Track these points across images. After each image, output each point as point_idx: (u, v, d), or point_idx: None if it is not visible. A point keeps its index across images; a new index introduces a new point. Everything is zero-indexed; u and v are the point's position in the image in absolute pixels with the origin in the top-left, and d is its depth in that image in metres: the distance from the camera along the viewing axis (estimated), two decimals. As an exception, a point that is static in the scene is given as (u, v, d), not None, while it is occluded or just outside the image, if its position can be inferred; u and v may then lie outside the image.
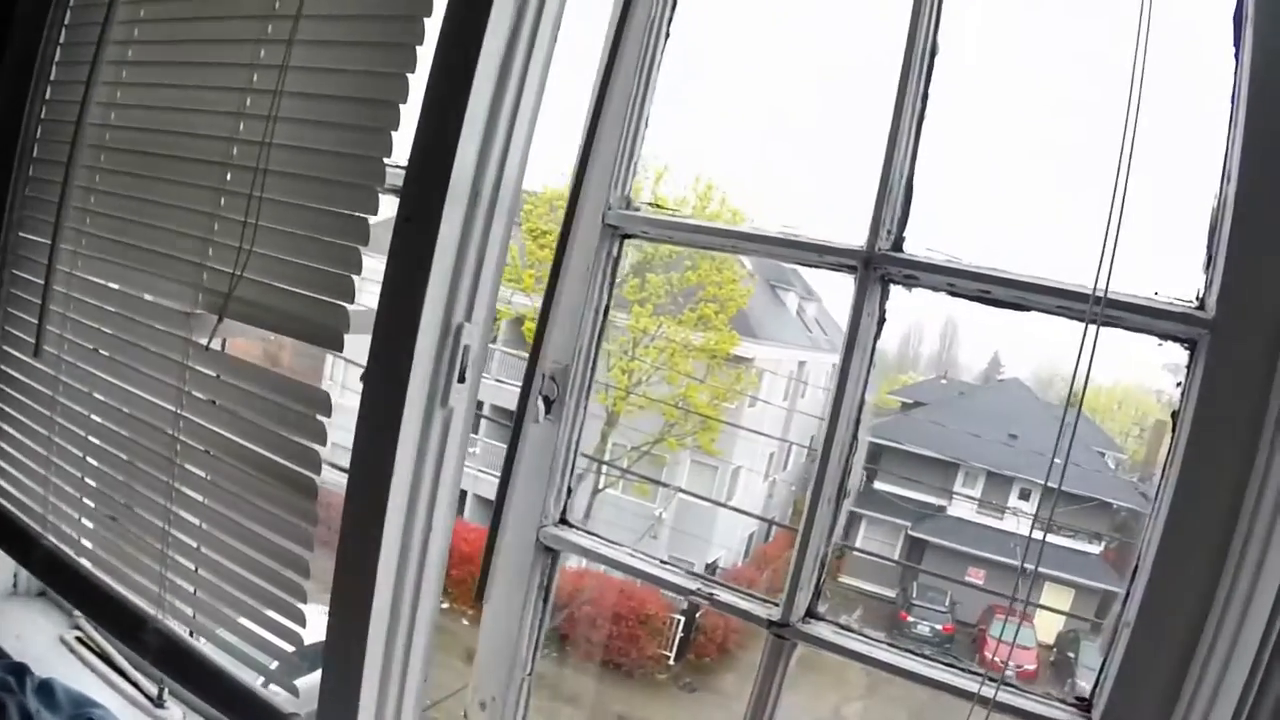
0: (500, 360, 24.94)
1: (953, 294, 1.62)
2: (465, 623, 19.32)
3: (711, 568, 23.32)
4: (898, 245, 1.68)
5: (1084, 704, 1.57)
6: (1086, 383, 1.48)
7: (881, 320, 1.70)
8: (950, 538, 28.33)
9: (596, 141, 1.67)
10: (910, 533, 28.97)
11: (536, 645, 2.08)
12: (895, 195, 1.67)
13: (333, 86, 1.79)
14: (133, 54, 2.25)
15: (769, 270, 29.40)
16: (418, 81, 1.62)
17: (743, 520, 26.59)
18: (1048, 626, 25.33)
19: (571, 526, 2.08)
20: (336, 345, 1.68)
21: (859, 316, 1.68)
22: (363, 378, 1.68)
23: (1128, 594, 1.50)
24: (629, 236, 1.98)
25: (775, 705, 1.75)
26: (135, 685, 2.37)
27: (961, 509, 29.89)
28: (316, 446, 1.77)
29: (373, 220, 1.65)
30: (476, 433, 24.82)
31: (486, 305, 1.70)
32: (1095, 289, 1.44)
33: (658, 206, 2.04)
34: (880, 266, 1.66)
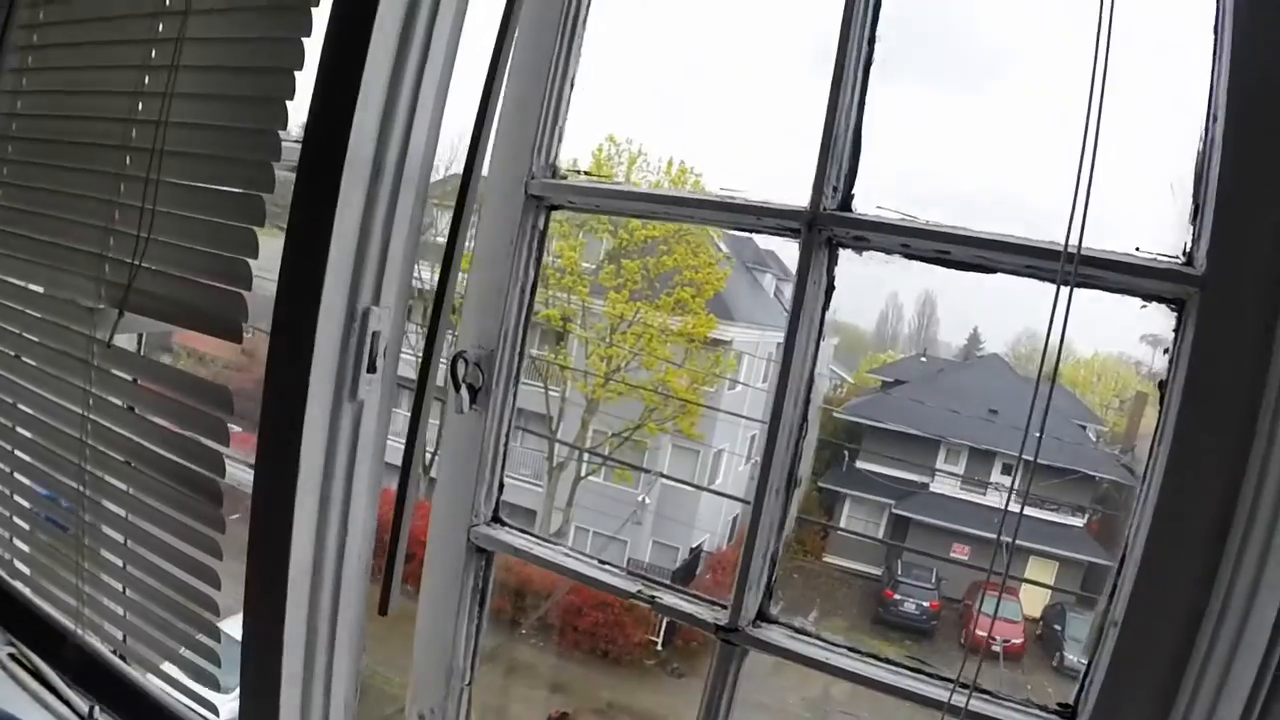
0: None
1: (908, 256, 1.46)
2: (450, 615, 19.31)
3: (696, 551, 23.35)
4: (845, 204, 1.53)
5: (1068, 711, 1.40)
6: (1061, 348, 1.34)
7: (830, 288, 1.55)
8: (934, 515, 28.41)
9: (495, 103, 1.52)
10: (894, 511, 29.06)
11: (475, 653, 1.99)
12: (841, 149, 1.51)
13: (227, 57, 1.66)
14: (37, 38, 2.12)
15: (746, 252, 29.35)
16: (315, 47, 1.49)
17: (726, 503, 26.60)
18: (1034, 601, 25.46)
19: (504, 525, 1.94)
20: (235, 337, 1.54)
21: (804, 284, 1.52)
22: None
23: (1115, 588, 1.34)
24: (556, 207, 1.83)
25: (727, 717, 1.61)
26: (67, 704, 2.24)
27: (944, 485, 30.00)
28: (219, 447, 1.64)
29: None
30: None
31: (398, 288, 1.56)
32: (1067, 246, 1.30)
33: (590, 174, 1.87)
34: (825, 228, 1.50)
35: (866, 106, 1.52)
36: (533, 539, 1.91)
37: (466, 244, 1.63)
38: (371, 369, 1.53)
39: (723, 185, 1.66)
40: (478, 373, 1.83)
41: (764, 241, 34.36)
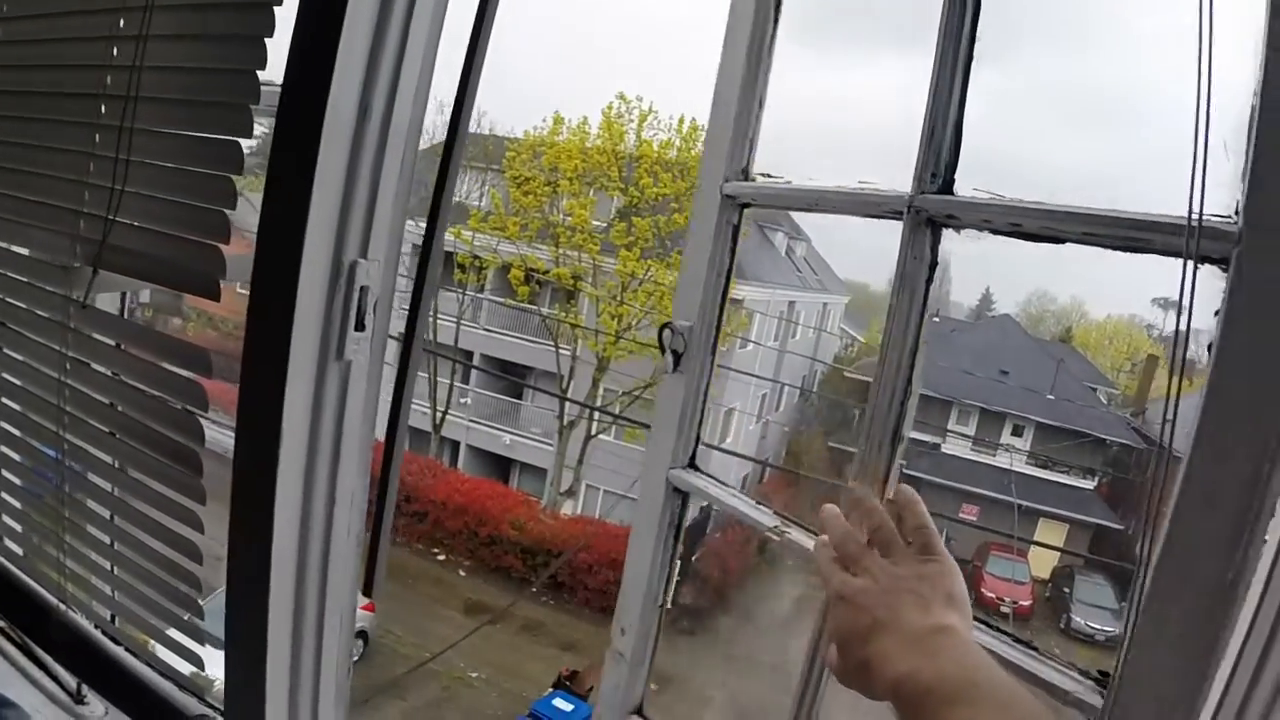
0: (489, 310, 24.84)
1: (1019, 236, 1.45)
2: (462, 574, 19.44)
3: (706, 510, 23.40)
4: (946, 188, 1.58)
5: (1103, 679, 1.32)
6: (1179, 329, 1.19)
7: (933, 265, 1.59)
8: (944, 475, 28.52)
9: (483, 48, 1.40)
10: (904, 470, 29.04)
11: (668, 579, 2.22)
12: (942, 133, 1.57)
13: (202, -7, 1.53)
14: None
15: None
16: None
17: (736, 462, 26.69)
18: (1043, 562, 25.56)
19: (698, 471, 2.17)
20: (212, 294, 1.43)
21: (905, 261, 1.60)
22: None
23: (1144, 556, 1.22)
24: (747, 205, 2.07)
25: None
26: (55, 679, 2.16)
27: (955, 446, 30.11)
28: (197, 412, 1.53)
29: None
30: (467, 383, 24.79)
31: (387, 238, 1.43)
32: (1191, 218, 1.16)
33: (768, 176, 2.07)
34: (925, 210, 1.57)
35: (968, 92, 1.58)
36: (711, 480, 2.13)
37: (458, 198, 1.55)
38: (360, 326, 1.40)
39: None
40: (680, 340, 2.09)
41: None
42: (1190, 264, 1.15)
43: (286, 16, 1.37)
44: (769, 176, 2.07)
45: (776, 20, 1.99)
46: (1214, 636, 1.12)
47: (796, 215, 34.05)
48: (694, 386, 2.14)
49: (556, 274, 21.56)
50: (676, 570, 2.22)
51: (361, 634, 15.61)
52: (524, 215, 21.54)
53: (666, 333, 2.12)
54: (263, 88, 1.39)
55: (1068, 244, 1.37)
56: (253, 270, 1.38)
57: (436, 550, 20.26)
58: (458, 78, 1.41)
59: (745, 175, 2.05)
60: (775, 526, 1.86)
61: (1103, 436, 29.10)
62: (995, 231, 1.47)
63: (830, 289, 32.04)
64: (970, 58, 1.55)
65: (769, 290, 25.69)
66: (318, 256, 1.34)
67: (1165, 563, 1.16)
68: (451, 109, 1.43)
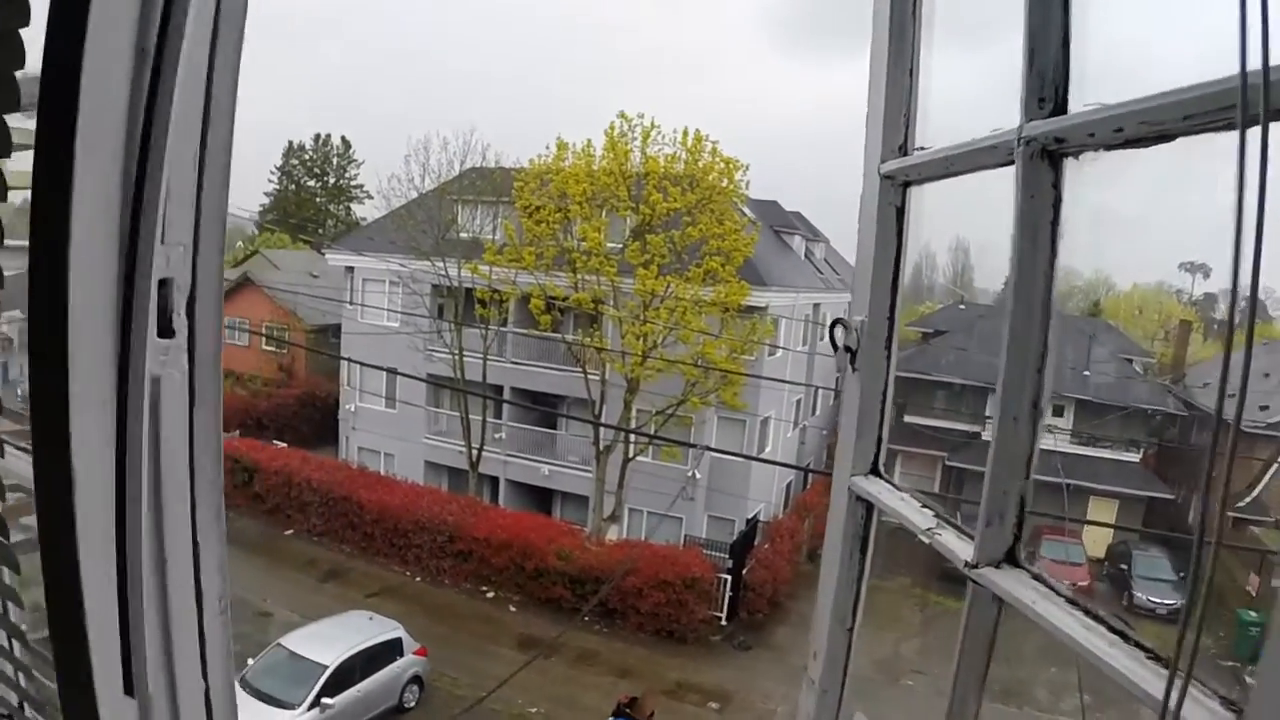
0: (514, 342, 24.83)
1: (1105, 148, 1.29)
2: (512, 609, 19.36)
3: (753, 522, 23.24)
4: (1058, 110, 1.38)
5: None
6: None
7: (1057, 202, 1.39)
8: (986, 464, 28.07)
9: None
10: (947, 463, 28.90)
11: (857, 598, 2.04)
12: (1044, 55, 1.39)
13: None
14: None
15: (771, 215, 29.09)
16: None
17: (779, 471, 26.46)
18: (1098, 541, 25.17)
19: (881, 478, 2.01)
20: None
21: (1023, 204, 1.40)
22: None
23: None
24: (909, 184, 1.91)
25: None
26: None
27: (996, 433, 29.65)
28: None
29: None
30: (499, 418, 24.75)
31: (193, 215, 1.10)
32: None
33: (923, 149, 1.91)
34: (1034, 139, 1.38)
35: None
36: (887, 484, 1.98)
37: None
38: (166, 332, 1.06)
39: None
40: (855, 337, 1.97)
41: (792, 202, 33.69)
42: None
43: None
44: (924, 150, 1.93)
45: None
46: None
47: (810, 215, 33.88)
48: (872, 385, 2.02)
49: (576, 299, 21.50)
50: (862, 589, 2.04)
51: (416, 679, 15.67)
52: (538, 244, 21.52)
53: (839, 329, 2.02)
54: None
55: (1179, 139, 1.16)
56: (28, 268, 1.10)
57: (485, 588, 20.19)
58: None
59: (904, 151, 1.92)
60: (929, 529, 1.76)
61: (1144, 407, 28.72)
62: (1107, 147, 1.29)
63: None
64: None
65: (793, 295, 25.52)
66: (93, 241, 0.99)
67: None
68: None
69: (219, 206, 1.12)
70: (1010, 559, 1.49)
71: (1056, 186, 1.37)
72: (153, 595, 1.08)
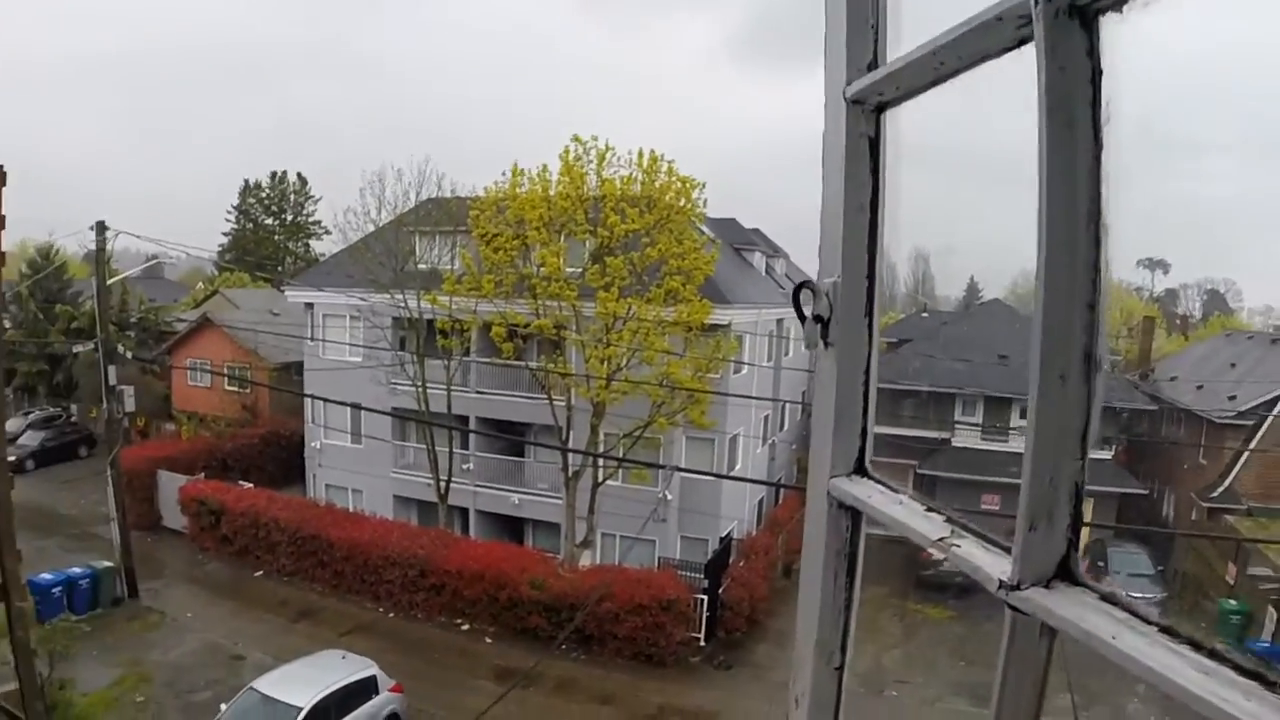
0: (478, 371, 24.58)
1: None
2: (488, 640, 19.05)
3: (726, 540, 23.06)
4: None
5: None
6: None
7: (1095, 73, 1.00)
8: (959, 469, 28.23)
9: None
10: (918, 471, 28.91)
11: (845, 628, 1.62)
12: None
13: None
14: None
15: (730, 233, 29.09)
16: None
17: (751, 488, 26.35)
18: (1072, 540, 25.17)
19: (868, 478, 1.59)
20: None
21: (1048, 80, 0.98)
22: None
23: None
24: (886, 105, 1.50)
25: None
26: None
27: (965, 438, 29.86)
28: None
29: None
30: (466, 448, 24.49)
31: None
32: None
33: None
34: None
35: None
36: (878, 485, 1.54)
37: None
38: None
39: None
40: (825, 303, 1.56)
41: (750, 219, 33.73)
42: None
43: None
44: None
45: None
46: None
47: (768, 229, 33.90)
48: (851, 363, 1.59)
49: (538, 326, 21.33)
50: (851, 619, 1.59)
51: (393, 716, 15.41)
52: (497, 272, 21.34)
53: (805, 293, 1.59)
54: None
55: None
56: None
57: (459, 621, 19.97)
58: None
59: (873, 68, 1.52)
60: (943, 539, 1.33)
61: (1113, 405, 28.93)
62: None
63: (815, 300, 31.91)
64: None
65: (755, 311, 25.50)
66: None
67: None
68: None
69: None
70: (1064, 574, 1.10)
71: (1093, 55, 1.00)
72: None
